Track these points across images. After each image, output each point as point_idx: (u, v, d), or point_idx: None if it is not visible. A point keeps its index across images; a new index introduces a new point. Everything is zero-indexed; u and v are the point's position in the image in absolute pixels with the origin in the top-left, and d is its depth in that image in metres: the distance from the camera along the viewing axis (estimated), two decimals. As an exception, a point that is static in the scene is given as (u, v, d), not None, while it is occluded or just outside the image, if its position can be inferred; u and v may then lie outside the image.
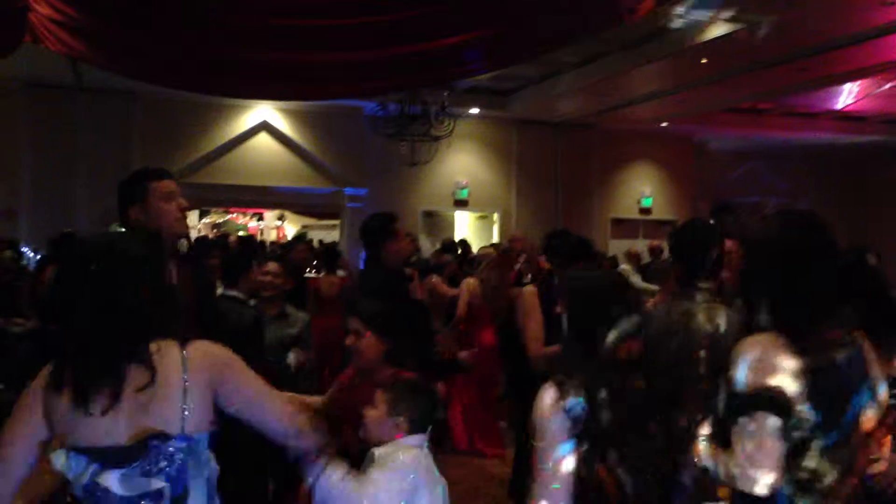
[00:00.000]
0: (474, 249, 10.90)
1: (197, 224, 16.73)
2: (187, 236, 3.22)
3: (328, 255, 8.92)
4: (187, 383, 2.02)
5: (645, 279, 10.40)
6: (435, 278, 7.59)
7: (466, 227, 15.11)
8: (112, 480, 1.94)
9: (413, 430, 2.69)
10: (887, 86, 11.47)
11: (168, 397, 2.01)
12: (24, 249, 10.49)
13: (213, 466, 2.13)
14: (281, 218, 18.42)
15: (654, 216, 15.19)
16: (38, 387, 2.05)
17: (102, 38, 4.98)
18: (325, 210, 15.10)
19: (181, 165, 12.07)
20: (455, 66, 5.28)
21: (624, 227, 15.05)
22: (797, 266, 2.13)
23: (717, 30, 8.56)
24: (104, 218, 10.93)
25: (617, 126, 13.98)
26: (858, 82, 11.57)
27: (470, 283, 7.11)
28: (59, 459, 1.97)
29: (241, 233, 16.96)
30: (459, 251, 10.35)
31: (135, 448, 1.96)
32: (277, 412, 2.21)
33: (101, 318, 2.01)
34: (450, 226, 15.04)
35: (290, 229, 18.37)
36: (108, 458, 1.96)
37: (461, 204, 14.12)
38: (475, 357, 6.65)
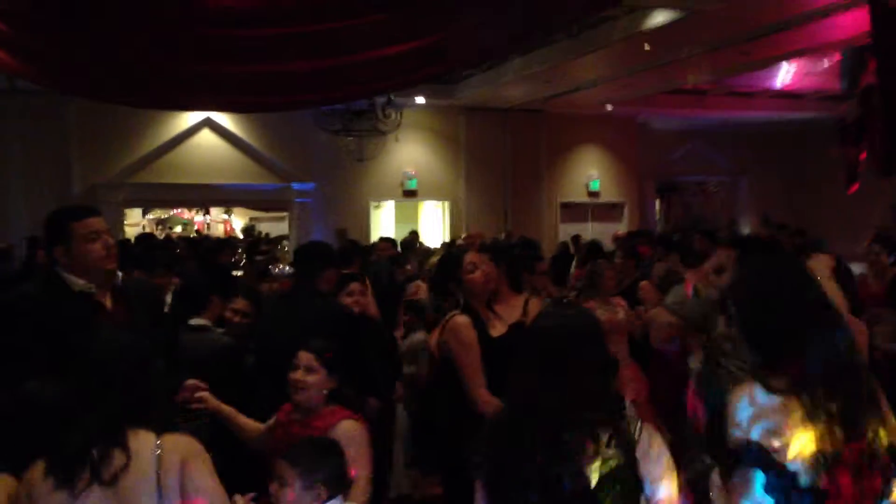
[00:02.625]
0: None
1: (142, 220, 16.35)
2: (115, 272, 3.07)
3: None
4: (162, 482, 2.02)
5: None
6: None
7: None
8: None
9: (331, 496, 2.57)
10: (824, 64, 11.69)
11: (141, 491, 2.01)
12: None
13: None
14: (228, 212, 18.12)
15: (603, 199, 15.28)
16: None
17: (35, 53, 4.77)
18: (273, 206, 14.88)
19: (121, 165, 11.74)
20: (396, 75, 5.19)
21: (573, 212, 15.08)
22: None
23: (660, 17, 8.60)
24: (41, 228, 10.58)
25: (564, 111, 14.00)
26: (796, 62, 11.80)
27: (421, 288, 6.49)
28: None
29: (191, 231, 16.67)
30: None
31: None
32: None
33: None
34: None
35: (237, 222, 18.08)
36: None
37: (410, 194, 14.02)
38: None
